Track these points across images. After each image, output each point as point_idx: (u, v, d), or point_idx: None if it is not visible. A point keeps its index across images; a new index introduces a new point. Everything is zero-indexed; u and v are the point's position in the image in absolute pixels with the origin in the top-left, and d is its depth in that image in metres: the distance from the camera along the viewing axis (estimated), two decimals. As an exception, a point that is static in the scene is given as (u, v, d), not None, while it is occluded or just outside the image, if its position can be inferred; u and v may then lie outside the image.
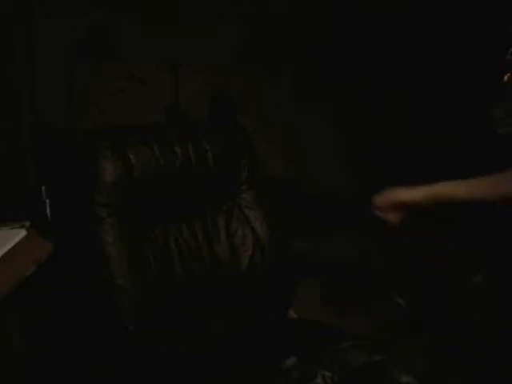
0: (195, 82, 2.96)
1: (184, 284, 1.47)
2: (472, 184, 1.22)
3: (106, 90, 2.81)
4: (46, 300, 1.64)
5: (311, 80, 3.15)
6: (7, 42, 2.43)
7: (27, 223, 1.67)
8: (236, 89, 3.04)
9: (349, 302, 2.10)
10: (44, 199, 2.03)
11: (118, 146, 1.43)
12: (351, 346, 1.42)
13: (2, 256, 1.48)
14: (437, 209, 1.26)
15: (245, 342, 1.49)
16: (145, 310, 1.38)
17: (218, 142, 1.59)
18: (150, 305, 1.39)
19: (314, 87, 3.15)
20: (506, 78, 1.33)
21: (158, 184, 1.48)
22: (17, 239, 1.58)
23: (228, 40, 3.01)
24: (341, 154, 3.13)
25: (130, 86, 2.81)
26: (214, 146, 1.57)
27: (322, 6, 3.05)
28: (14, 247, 1.55)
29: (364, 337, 1.49)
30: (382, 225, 1.26)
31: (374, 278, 1.70)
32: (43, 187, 2.05)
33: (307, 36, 3.07)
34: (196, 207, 1.56)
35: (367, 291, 1.73)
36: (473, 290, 1.74)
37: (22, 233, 1.62)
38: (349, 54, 3.01)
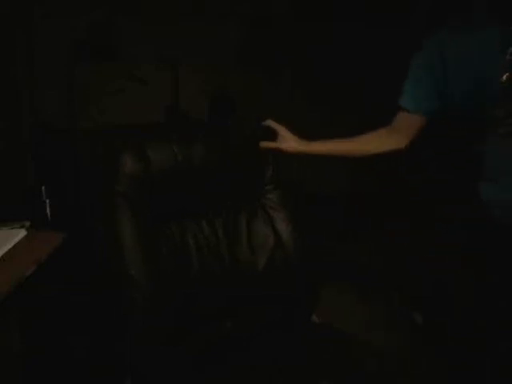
0: (195, 82, 2.96)
1: (200, 281, 1.48)
2: (331, 144, 1.72)
3: (106, 89, 2.81)
4: (46, 300, 1.64)
5: (311, 80, 3.15)
6: (7, 41, 2.42)
7: (27, 223, 1.67)
8: (236, 89, 3.04)
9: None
10: (44, 199, 2.03)
11: (138, 142, 1.47)
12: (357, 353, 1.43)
13: (2, 256, 1.48)
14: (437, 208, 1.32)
15: (245, 341, 1.49)
16: (155, 306, 1.38)
17: (242, 141, 1.62)
18: (162, 300, 1.39)
19: (313, 87, 3.14)
20: (504, 77, 1.33)
21: (177, 181, 1.50)
22: (17, 239, 1.58)
23: (228, 40, 3.01)
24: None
25: (130, 86, 2.81)
26: (237, 145, 1.60)
27: (322, 5, 3.05)
28: (14, 247, 1.55)
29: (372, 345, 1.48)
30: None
31: (378, 278, 1.70)
32: (43, 187, 2.05)
33: (307, 36, 3.07)
34: (217, 205, 1.58)
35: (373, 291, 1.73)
36: (473, 290, 1.74)
37: (22, 233, 1.62)
38: (349, 53, 3.00)
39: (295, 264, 1.59)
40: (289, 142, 1.64)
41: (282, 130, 1.65)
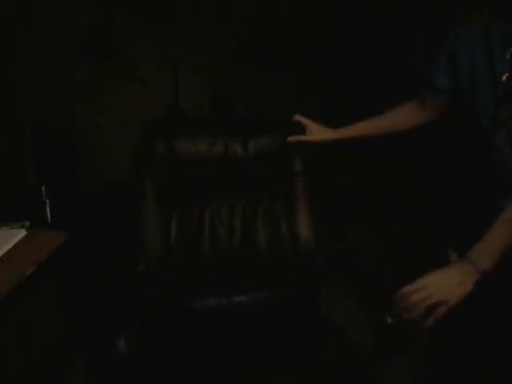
0: (195, 82, 2.96)
1: (209, 264, 1.60)
2: (363, 126, 1.68)
3: (106, 90, 2.81)
4: (47, 299, 1.64)
5: (311, 80, 3.14)
6: (7, 41, 2.42)
7: (27, 223, 1.67)
8: (236, 89, 3.04)
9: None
10: (44, 199, 2.03)
11: (170, 132, 1.69)
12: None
13: (2, 256, 1.48)
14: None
15: (245, 341, 1.49)
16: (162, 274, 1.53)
17: (268, 133, 1.71)
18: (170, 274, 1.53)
19: (313, 87, 3.14)
20: (504, 77, 1.33)
21: (199, 170, 1.65)
22: (17, 239, 1.58)
23: (228, 40, 3.01)
24: (340, 153, 3.13)
25: (130, 85, 2.81)
26: (264, 138, 1.70)
27: (322, 5, 3.05)
28: (14, 247, 1.55)
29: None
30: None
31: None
32: (43, 187, 2.05)
33: (307, 36, 3.07)
34: (239, 194, 1.67)
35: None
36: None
37: (22, 233, 1.62)
38: (349, 53, 3.00)
39: (310, 254, 1.62)
40: (320, 133, 1.68)
41: (310, 124, 1.70)
